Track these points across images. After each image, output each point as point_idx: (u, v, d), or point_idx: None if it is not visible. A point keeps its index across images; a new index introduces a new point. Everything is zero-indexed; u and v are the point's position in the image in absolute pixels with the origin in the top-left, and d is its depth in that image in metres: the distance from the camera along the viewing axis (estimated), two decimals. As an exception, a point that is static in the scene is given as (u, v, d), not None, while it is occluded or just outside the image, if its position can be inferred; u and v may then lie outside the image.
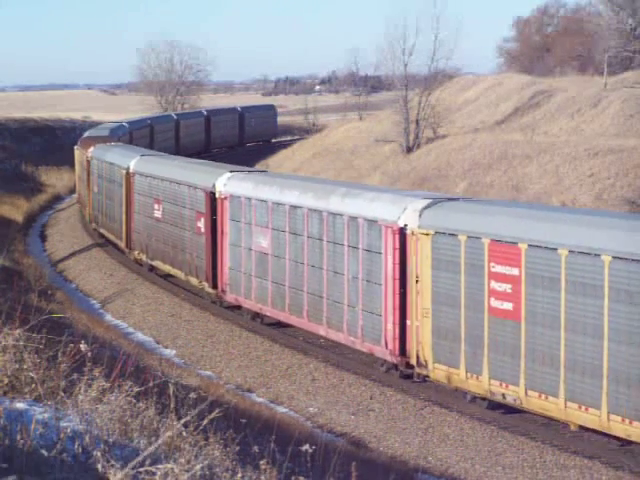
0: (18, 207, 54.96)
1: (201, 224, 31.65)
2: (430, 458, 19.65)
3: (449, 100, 64.65)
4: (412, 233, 22.31)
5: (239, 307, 30.26)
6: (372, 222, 23.59)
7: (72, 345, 10.73)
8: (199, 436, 8.88)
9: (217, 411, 9.01)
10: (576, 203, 42.06)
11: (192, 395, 10.35)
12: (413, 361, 22.63)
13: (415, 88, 61.21)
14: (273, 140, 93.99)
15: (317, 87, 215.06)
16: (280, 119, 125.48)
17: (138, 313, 32.41)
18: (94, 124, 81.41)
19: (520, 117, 60.95)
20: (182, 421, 8.73)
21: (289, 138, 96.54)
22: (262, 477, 8.21)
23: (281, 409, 22.71)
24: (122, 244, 40.43)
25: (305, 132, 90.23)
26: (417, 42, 59.77)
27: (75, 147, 55.83)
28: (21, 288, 28.64)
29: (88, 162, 47.45)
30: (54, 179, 69.18)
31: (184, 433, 8.88)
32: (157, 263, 36.08)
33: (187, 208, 32.81)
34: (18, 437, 7.56)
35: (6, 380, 9.84)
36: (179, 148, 73.20)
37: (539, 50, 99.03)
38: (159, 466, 7.29)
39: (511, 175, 48.23)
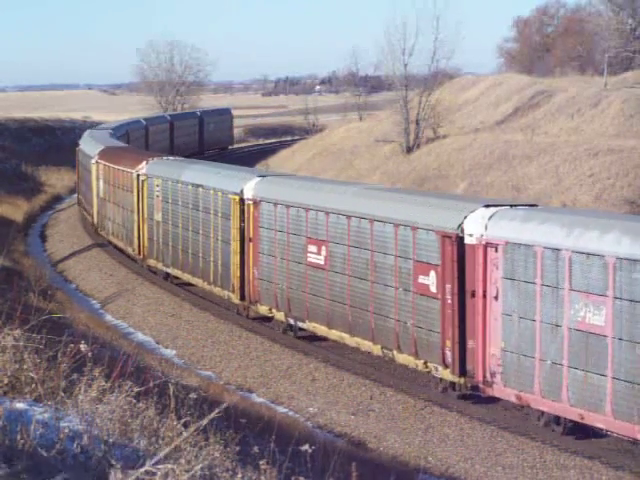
0: (18, 207, 54.92)
1: (430, 281, 22.07)
2: (430, 458, 19.65)
3: (449, 100, 64.66)
4: None
5: (507, 402, 21.16)
6: None
7: (72, 345, 10.73)
8: (199, 436, 8.88)
9: (217, 411, 9.02)
10: (576, 203, 42.08)
11: (192, 395, 10.36)
12: None
13: (415, 88, 61.24)
14: (230, 147, 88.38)
15: (317, 87, 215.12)
16: (280, 119, 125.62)
17: (138, 313, 32.41)
18: (94, 124, 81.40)
19: (520, 117, 60.97)
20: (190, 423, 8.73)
21: (289, 138, 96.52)
22: (262, 477, 8.21)
23: (281, 409, 22.72)
24: (232, 295, 30.10)
25: (305, 132, 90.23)
26: (417, 42, 59.88)
27: (93, 161, 45.35)
28: (21, 288, 28.63)
29: (141, 182, 36.84)
30: (54, 179, 69.18)
31: (184, 433, 8.89)
32: (315, 326, 26.18)
33: (392, 255, 23.11)
34: (18, 437, 7.56)
35: (6, 380, 9.84)
36: None
37: (539, 50, 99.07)
38: (159, 466, 7.29)
39: (511, 175, 48.24)
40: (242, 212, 29.09)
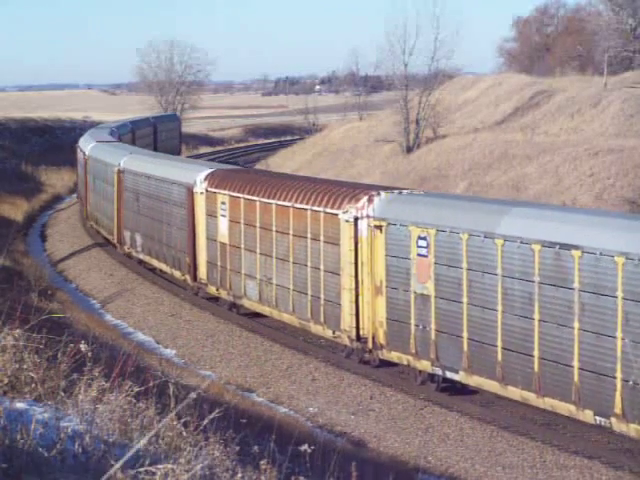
0: (18, 207, 54.91)
1: None
2: (430, 458, 19.65)
3: (449, 100, 64.73)
4: None
5: None
6: None
7: (72, 345, 10.73)
8: (199, 436, 8.88)
9: (217, 411, 9.02)
10: (576, 203, 42.07)
11: (192, 395, 10.36)
12: None
13: (415, 88, 61.30)
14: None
15: (317, 87, 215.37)
16: (280, 119, 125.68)
17: (138, 313, 32.40)
18: (94, 124, 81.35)
19: (520, 117, 61.00)
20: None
21: (289, 138, 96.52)
22: (262, 477, 8.21)
23: (281, 409, 22.71)
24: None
25: (305, 132, 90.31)
26: (417, 42, 60.03)
27: (197, 190, 32.63)
28: (21, 288, 28.65)
29: (369, 231, 23.80)
30: (54, 179, 69.16)
31: (184, 433, 8.89)
32: None
33: None
34: (18, 437, 7.57)
35: (6, 380, 9.85)
36: None
37: (539, 50, 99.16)
38: (159, 466, 7.30)
39: (511, 175, 48.23)
40: None
